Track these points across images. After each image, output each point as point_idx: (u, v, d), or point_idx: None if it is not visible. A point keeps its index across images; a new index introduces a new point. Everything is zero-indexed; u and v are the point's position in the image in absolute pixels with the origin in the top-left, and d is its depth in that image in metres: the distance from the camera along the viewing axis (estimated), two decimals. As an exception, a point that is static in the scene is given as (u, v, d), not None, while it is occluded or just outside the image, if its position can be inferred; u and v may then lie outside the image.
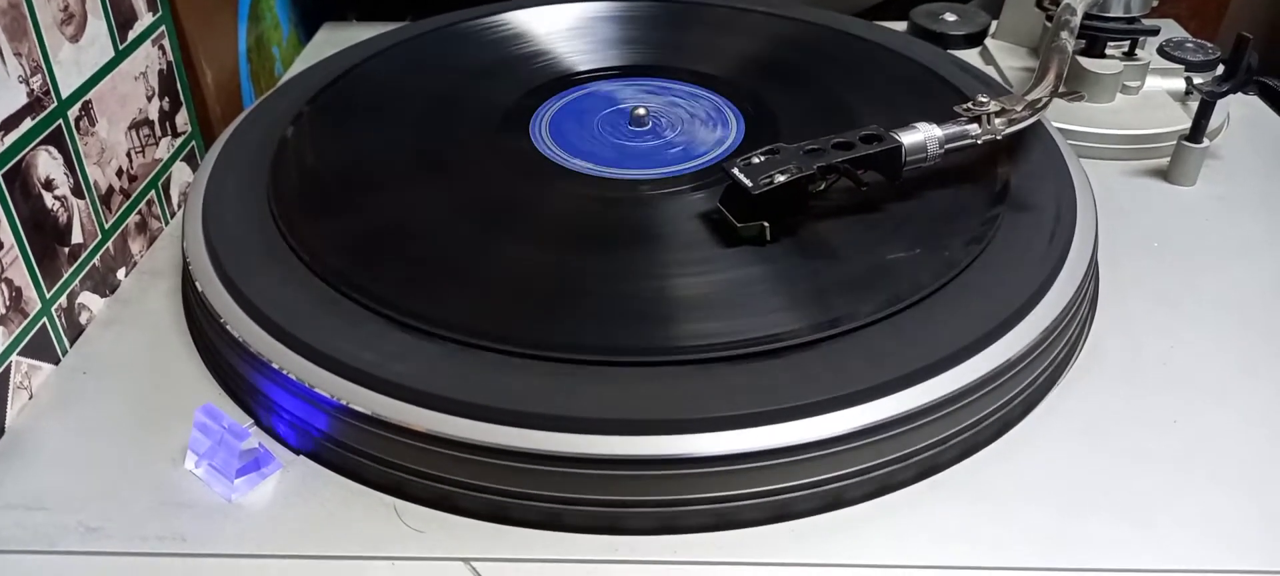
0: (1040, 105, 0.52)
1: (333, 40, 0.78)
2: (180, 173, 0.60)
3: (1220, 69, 0.65)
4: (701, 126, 0.57)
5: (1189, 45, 0.67)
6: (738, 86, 0.60)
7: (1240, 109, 0.64)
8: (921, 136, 0.49)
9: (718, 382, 0.39)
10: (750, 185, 0.45)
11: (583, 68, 0.63)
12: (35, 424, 0.43)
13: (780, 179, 0.46)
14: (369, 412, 0.39)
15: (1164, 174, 0.59)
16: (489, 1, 0.71)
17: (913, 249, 0.46)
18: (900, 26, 0.76)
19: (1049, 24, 0.67)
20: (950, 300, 0.43)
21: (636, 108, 0.57)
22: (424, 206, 0.50)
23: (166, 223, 0.58)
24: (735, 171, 0.46)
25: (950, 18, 0.74)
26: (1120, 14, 0.63)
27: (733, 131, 0.56)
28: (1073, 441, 0.42)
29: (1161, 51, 0.66)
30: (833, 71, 0.62)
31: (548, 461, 0.37)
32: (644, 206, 0.50)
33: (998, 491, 0.39)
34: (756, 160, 0.47)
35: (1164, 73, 0.65)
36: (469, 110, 0.59)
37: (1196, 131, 0.57)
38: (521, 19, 0.68)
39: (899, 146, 0.48)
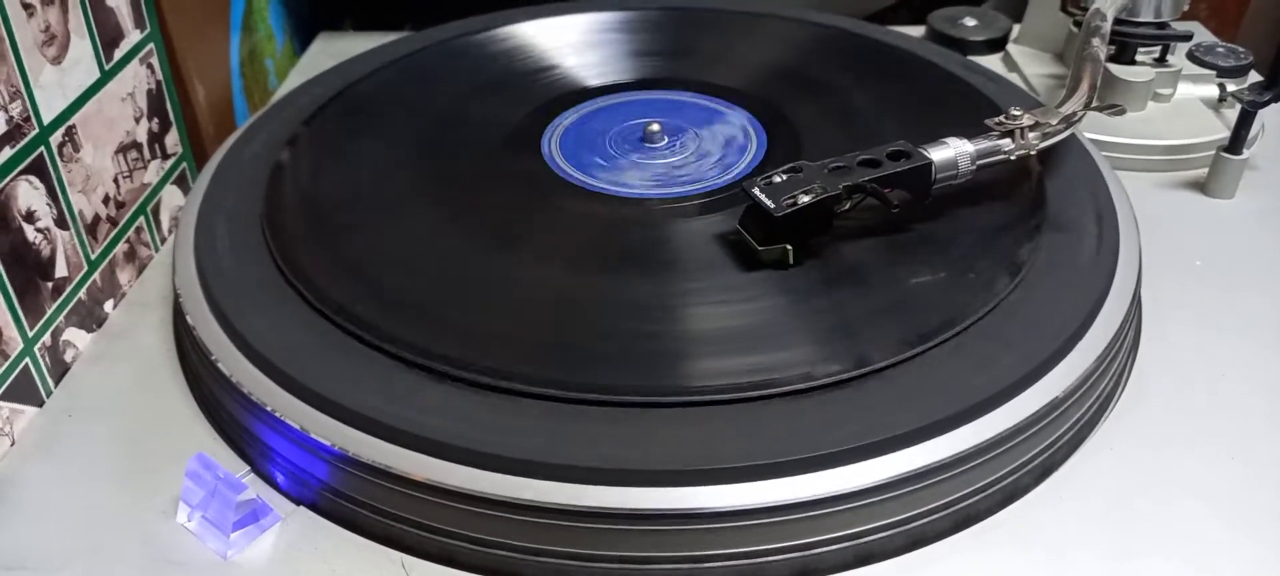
0: (1075, 118, 0.49)
1: (329, 51, 0.76)
2: (171, 196, 0.57)
3: (1252, 75, 0.63)
4: (720, 141, 0.54)
5: (1219, 50, 0.64)
6: (756, 98, 0.58)
7: (1276, 117, 0.62)
8: (952, 152, 0.46)
9: (749, 427, 0.36)
10: (773, 206, 0.43)
11: (594, 82, 0.60)
12: (17, 472, 0.41)
13: (804, 200, 0.43)
14: (373, 462, 0.36)
15: (1201, 186, 0.56)
16: (487, 11, 0.68)
17: (946, 275, 0.43)
18: (916, 32, 0.73)
19: (1075, 29, 0.65)
20: (990, 333, 0.40)
21: (650, 123, 0.54)
22: (431, 233, 0.48)
23: (156, 250, 0.55)
24: (756, 192, 0.44)
25: (970, 22, 0.72)
26: (1151, 18, 0.60)
27: (753, 146, 0.54)
28: (1124, 481, 0.39)
29: (1192, 57, 0.64)
30: (853, 81, 0.60)
31: (565, 515, 0.35)
32: (658, 228, 0.48)
33: (1047, 537, 0.37)
34: (778, 179, 0.44)
35: (1195, 79, 0.63)
36: (477, 127, 0.56)
37: (1236, 142, 0.55)
38: (528, 31, 0.65)
39: (929, 164, 0.46)
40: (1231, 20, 0.94)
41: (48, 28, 0.46)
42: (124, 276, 0.52)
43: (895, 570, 0.36)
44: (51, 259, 0.46)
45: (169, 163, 0.57)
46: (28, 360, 0.44)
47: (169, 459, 0.40)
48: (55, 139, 0.46)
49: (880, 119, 0.55)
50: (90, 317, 0.48)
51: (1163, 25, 0.61)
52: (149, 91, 0.55)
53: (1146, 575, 0.35)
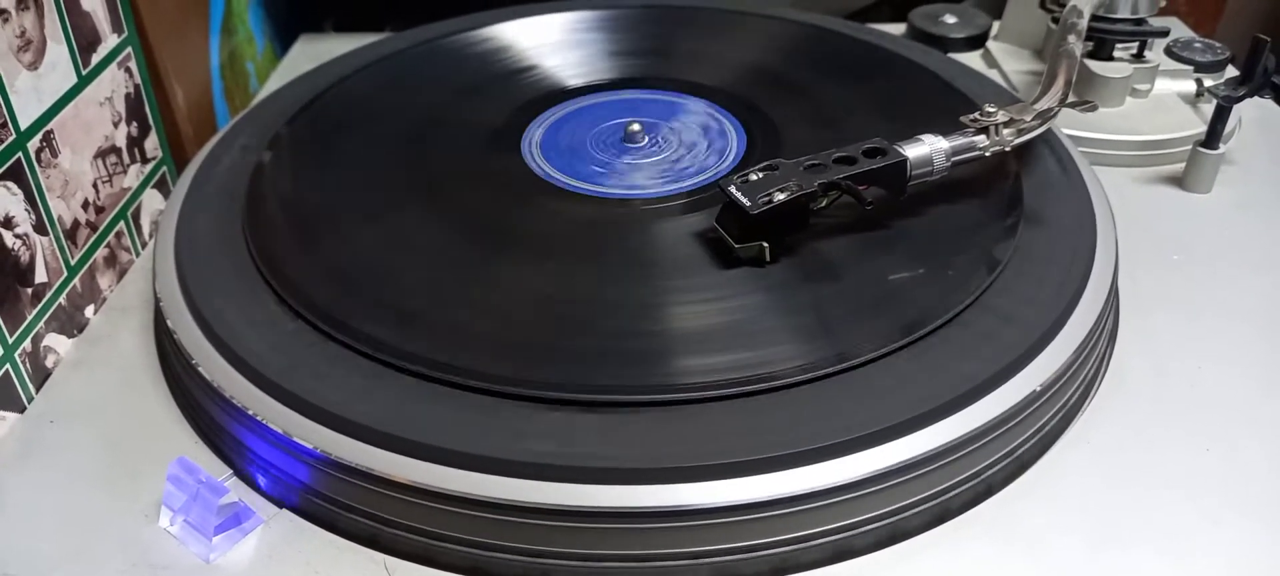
0: (1050, 114, 0.50)
1: (310, 53, 0.76)
2: (151, 200, 0.57)
3: (1229, 70, 0.64)
4: (700, 140, 0.54)
5: (1197, 45, 0.65)
6: (736, 96, 0.58)
7: (1252, 111, 0.62)
8: (927, 149, 0.46)
9: (727, 424, 0.36)
10: (748, 204, 0.43)
11: (574, 82, 0.60)
12: (-1, 479, 0.41)
13: (780, 197, 0.43)
14: (355, 463, 0.36)
15: (1178, 181, 0.57)
16: (469, 12, 0.68)
17: (924, 271, 0.43)
18: (896, 29, 0.74)
19: (1054, 26, 0.66)
20: (968, 328, 0.40)
21: (631, 123, 0.54)
22: (412, 235, 0.48)
23: (137, 254, 0.55)
24: (732, 190, 0.44)
25: (950, 20, 0.72)
26: (1128, 15, 0.61)
27: (733, 144, 0.54)
28: (1102, 473, 0.39)
29: (1169, 52, 0.64)
30: (832, 79, 0.60)
31: (543, 515, 0.35)
32: (637, 227, 0.48)
33: (1027, 529, 0.37)
34: (754, 177, 0.45)
35: (1172, 74, 0.63)
36: (457, 129, 0.56)
37: (1212, 137, 0.55)
38: (508, 31, 0.65)
39: (904, 160, 0.46)
40: (1210, 15, 0.94)
41: (23, 33, 0.45)
42: (104, 281, 0.51)
43: (874, 565, 0.36)
44: (31, 265, 0.46)
45: (149, 167, 0.57)
46: (8, 366, 0.44)
47: (150, 463, 0.40)
48: (33, 144, 0.46)
49: (860, 117, 0.56)
50: (71, 323, 0.48)
51: (1140, 21, 0.61)
52: (127, 95, 0.55)
53: (1126, 564, 0.36)
